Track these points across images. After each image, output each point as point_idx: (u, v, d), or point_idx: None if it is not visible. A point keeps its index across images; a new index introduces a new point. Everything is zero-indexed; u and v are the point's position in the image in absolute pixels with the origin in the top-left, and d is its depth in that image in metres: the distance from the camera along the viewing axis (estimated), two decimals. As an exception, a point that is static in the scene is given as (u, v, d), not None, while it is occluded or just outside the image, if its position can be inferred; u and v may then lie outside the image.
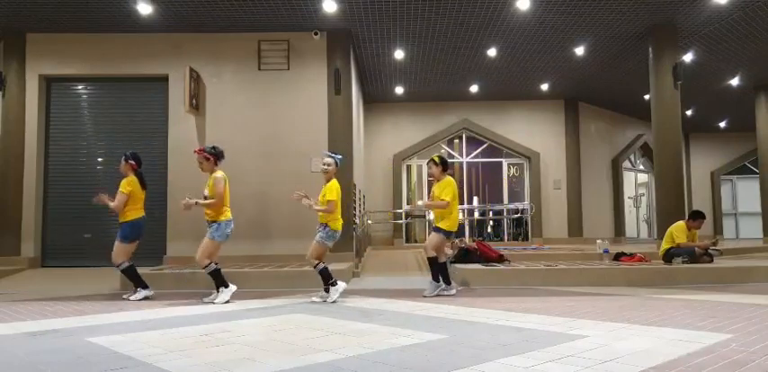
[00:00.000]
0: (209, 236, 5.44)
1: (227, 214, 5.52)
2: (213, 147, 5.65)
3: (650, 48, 9.63)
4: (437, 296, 5.75)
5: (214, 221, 5.46)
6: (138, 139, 9.19)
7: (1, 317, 4.60)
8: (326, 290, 5.43)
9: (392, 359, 2.87)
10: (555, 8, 8.54)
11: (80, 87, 9.50)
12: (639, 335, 3.44)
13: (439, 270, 5.89)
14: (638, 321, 4.00)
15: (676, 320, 4.02)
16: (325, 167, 5.57)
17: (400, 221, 13.89)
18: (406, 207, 14.12)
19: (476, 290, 6.39)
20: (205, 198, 5.51)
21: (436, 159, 6.04)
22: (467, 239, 11.52)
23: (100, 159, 9.40)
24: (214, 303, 5.34)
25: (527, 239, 14.05)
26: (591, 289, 6.31)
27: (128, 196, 5.75)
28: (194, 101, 8.95)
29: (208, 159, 5.57)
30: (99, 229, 9.13)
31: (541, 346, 3.14)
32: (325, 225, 5.47)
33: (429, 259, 5.94)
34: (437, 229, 5.87)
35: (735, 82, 12.57)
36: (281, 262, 8.13)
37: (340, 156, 5.78)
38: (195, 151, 5.66)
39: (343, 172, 9.13)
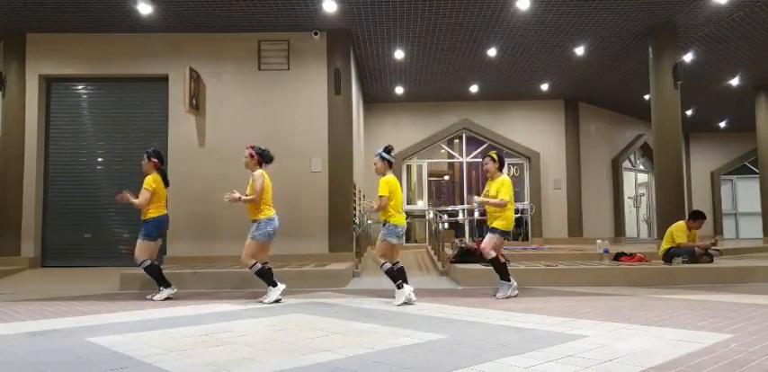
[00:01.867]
0: (249, 236, 5.45)
1: (267, 212, 5.50)
2: (263, 149, 5.66)
3: (650, 48, 9.63)
4: (509, 297, 5.56)
5: (254, 220, 5.47)
6: (138, 139, 9.18)
7: (1, 317, 4.60)
8: (398, 286, 5.25)
9: (392, 359, 2.87)
10: (555, 8, 8.54)
11: (80, 87, 9.50)
12: (639, 335, 3.44)
13: (501, 269, 5.68)
14: (638, 321, 4.00)
15: (676, 320, 4.02)
16: (375, 166, 5.60)
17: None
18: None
19: (476, 290, 6.38)
20: (247, 195, 5.52)
21: (494, 156, 5.89)
22: (467, 239, 11.52)
23: (100, 159, 9.40)
24: (263, 302, 5.32)
25: (527, 239, 14.05)
26: (591, 289, 6.31)
27: (151, 193, 5.80)
28: (194, 101, 8.95)
29: (252, 157, 5.61)
30: (99, 229, 9.14)
31: (541, 346, 3.14)
32: (385, 222, 5.42)
33: (491, 261, 5.69)
34: (493, 229, 5.73)
35: (735, 82, 12.57)
36: (280, 262, 8.13)
37: (380, 150, 5.56)
38: (247, 147, 5.68)
39: (344, 171, 9.16)
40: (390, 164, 5.57)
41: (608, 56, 10.80)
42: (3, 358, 3.07)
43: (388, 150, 5.58)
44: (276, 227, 5.56)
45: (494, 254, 5.64)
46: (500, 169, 5.87)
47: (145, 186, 5.81)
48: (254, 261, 5.43)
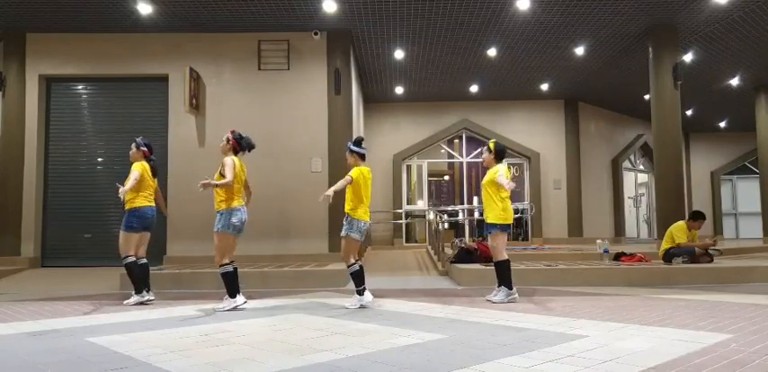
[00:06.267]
0: (214, 229, 5.07)
1: (231, 202, 5.07)
2: (242, 136, 5.30)
3: (650, 48, 9.63)
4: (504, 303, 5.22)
5: (218, 211, 5.08)
6: (138, 139, 9.17)
7: (1, 317, 4.60)
8: (357, 292, 5.03)
9: (392, 359, 2.87)
10: (555, 8, 8.54)
11: (80, 87, 9.50)
12: (639, 335, 3.44)
13: (506, 275, 5.31)
14: (637, 321, 4.00)
15: (676, 320, 4.02)
16: (346, 161, 5.42)
17: (400, 221, 13.89)
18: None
19: (476, 290, 6.38)
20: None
21: (492, 146, 5.56)
22: (467, 239, 11.51)
23: (100, 159, 9.40)
24: (215, 310, 4.96)
25: (527, 239, 14.05)
26: (591, 289, 6.31)
27: (140, 174, 5.45)
28: (194, 101, 8.95)
29: (228, 141, 5.23)
30: (99, 229, 9.14)
31: (541, 346, 3.14)
32: (347, 216, 5.12)
33: (498, 263, 5.33)
34: (492, 226, 5.32)
35: (735, 82, 12.57)
36: (280, 262, 8.14)
37: (349, 143, 5.39)
38: (229, 132, 5.36)
39: (343, 171, 9.13)
40: (362, 157, 5.29)
41: (608, 56, 10.80)
42: (3, 358, 3.07)
43: (357, 142, 5.33)
44: (242, 219, 5.13)
45: (506, 256, 5.36)
46: (498, 159, 5.55)
47: (132, 169, 5.47)
48: (226, 262, 5.05)
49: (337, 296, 5.90)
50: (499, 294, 5.31)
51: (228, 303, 4.98)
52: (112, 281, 6.98)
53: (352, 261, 5.12)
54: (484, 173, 5.77)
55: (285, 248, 8.78)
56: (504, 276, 5.32)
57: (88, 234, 9.16)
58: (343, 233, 5.15)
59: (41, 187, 9.17)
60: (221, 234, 5.06)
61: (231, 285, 5.03)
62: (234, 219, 5.07)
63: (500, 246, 5.35)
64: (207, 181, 4.96)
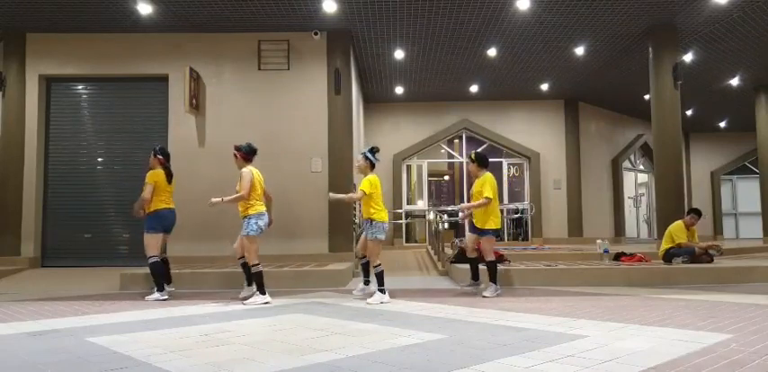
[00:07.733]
0: (242, 233, 5.46)
1: (257, 207, 5.48)
2: (242, 145, 5.68)
3: (650, 48, 9.62)
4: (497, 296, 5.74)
5: (245, 216, 5.46)
6: (138, 139, 9.19)
7: (1, 317, 4.60)
8: (380, 291, 5.42)
9: (392, 359, 2.87)
10: (555, 8, 8.54)
11: (80, 87, 9.50)
12: (639, 335, 3.44)
13: (495, 272, 5.89)
14: (637, 321, 4.00)
15: (676, 320, 4.02)
16: (356, 164, 5.82)
17: (400, 221, 13.89)
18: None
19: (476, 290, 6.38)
20: (236, 193, 5.51)
21: (473, 156, 6.02)
22: (466, 239, 11.51)
23: (100, 159, 9.39)
24: (244, 304, 5.30)
25: (527, 239, 14.05)
26: (591, 289, 6.31)
27: (153, 186, 5.92)
28: (194, 101, 8.95)
29: (235, 156, 5.66)
30: (99, 229, 9.13)
31: (541, 346, 3.14)
32: (371, 220, 5.51)
33: (489, 263, 5.91)
34: (485, 231, 5.86)
35: (735, 82, 12.57)
36: (280, 262, 8.14)
37: (365, 150, 5.76)
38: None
39: (343, 171, 9.16)
40: (373, 165, 5.69)
41: (608, 56, 10.80)
42: (3, 358, 3.08)
43: (373, 151, 5.71)
44: (266, 222, 5.57)
45: (494, 257, 5.87)
46: (482, 166, 5.96)
47: (146, 181, 5.97)
48: (258, 262, 5.45)
49: (337, 296, 5.90)
50: (489, 289, 5.80)
51: (260, 299, 5.36)
52: (112, 281, 6.98)
53: (378, 261, 5.51)
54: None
55: (285, 248, 8.77)
56: (493, 273, 5.87)
57: (88, 234, 9.16)
58: (371, 236, 5.51)
59: (41, 187, 9.16)
60: (251, 238, 5.43)
61: (262, 282, 5.43)
62: (261, 222, 5.49)
63: (491, 248, 5.91)
64: (218, 200, 5.38)
